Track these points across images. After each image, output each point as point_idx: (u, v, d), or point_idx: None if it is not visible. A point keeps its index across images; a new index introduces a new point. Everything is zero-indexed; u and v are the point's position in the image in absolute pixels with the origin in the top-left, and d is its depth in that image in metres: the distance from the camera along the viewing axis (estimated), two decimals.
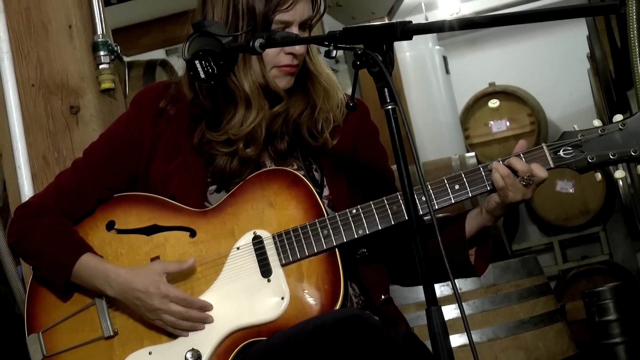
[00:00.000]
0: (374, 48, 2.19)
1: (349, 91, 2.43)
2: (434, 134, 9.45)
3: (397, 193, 2.57)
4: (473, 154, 8.12)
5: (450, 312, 4.81)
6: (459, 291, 2.39)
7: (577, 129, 2.60)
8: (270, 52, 2.60)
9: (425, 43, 9.71)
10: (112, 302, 2.70)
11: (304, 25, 2.66)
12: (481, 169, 2.57)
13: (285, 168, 2.67)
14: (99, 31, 3.79)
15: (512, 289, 5.09)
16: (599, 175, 2.63)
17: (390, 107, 2.17)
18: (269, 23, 2.60)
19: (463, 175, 2.57)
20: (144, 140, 2.74)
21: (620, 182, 9.07)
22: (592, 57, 8.30)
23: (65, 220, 2.76)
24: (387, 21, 8.62)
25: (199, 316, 2.60)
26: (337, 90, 2.75)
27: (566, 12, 2.02)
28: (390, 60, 2.19)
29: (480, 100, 10.72)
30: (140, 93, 2.82)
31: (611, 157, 2.55)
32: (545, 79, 10.65)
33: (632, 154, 2.53)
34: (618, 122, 2.56)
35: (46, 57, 3.76)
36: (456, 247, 2.65)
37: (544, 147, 2.57)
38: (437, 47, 9.92)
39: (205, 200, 2.70)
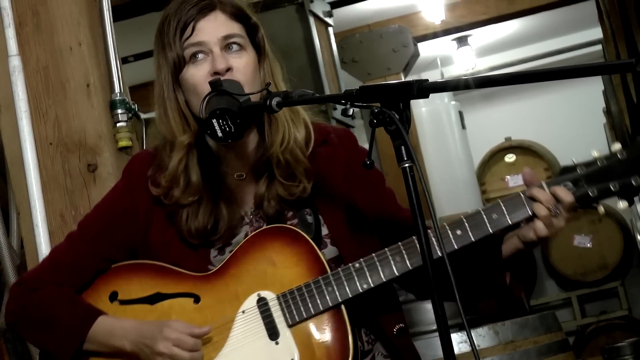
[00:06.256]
0: (390, 106, 2.18)
1: (366, 146, 2.40)
2: (451, 188, 9.44)
3: (399, 243, 2.53)
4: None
5: None
6: (477, 348, 2.36)
7: (575, 162, 2.52)
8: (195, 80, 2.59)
9: (441, 98, 9.74)
10: None
11: (231, 44, 2.60)
12: (501, 203, 2.51)
13: (284, 225, 2.62)
14: (117, 89, 3.82)
15: (531, 346, 5.05)
16: (601, 209, 2.51)
17: (407, 165, 2.17)
18: (183, 57, 2.58)
19: (483, 214, 2.51)
20: (138, 210, 2.70)
21: (639, 237, 9.03)
22: (608, 112, 8.33)
23: (65, 289, 2.71)
24: (402, 77, 8.65)
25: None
26: (288, 121, 2.65)
27: (583, 70, 2.02)
28: (407, 118, 2.19)
29: (496, 155, 10.73)
30: (130, 163, 2.80)
31: (612, 188, 2.46)
32: (561, 133, 10.66)
33: (634, 183, 2.44)
34: (617, 151, 2.47)
35: (64, 115, 3.78)
36: (492, 270, 2.59)
37: (544, 185, 2.50)
38: (453, 102, 9.94)
39: (208, 263, 2.66)
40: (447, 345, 2.13)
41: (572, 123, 10.63)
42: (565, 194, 2.46)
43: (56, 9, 3.83)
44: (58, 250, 2.82)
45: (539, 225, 2.47)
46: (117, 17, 4.02)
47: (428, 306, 5.29)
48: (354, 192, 2.70)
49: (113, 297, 2.71)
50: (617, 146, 2.49)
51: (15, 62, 3.80)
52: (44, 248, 3.68)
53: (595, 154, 2.50)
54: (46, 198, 3.76)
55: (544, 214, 2.46)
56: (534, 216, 2.48)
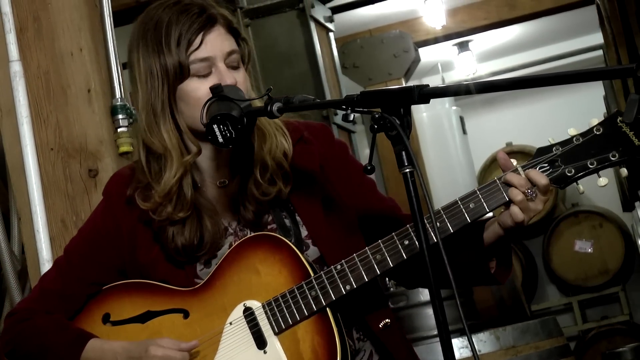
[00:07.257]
0: (391, 112, 2.17)
1: (366, 152, 2.39)
2: (451, 194, 9.36)
3: (379, 241, 2.51)
4: (491, 213, 8.10)
5: None
6: (478, 353, 2.35)
7: (552, 141, 2.49)
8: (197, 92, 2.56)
9: (442, 103, 9.75)
10: None
11: (232, 60, 2.59)
12: (477, 191, 2.48)
13: (266, 232, 2.61)
14: (118, 95, 3.81)
15: (532, 351, 5.05)
16: (580, 187, 2.47)
17: (408, 170, 2.16)
18: (187, 69, 2.54)
19: (460, 204, 2.48)
20: (121, 230, 2.69)
21: None
22: None
23: (56, 316, 2.70)
24: (403, 82, 8.66)
25: None
26: (274, 131, 2.65)
27: (584, 75, 2.02)
28: (407, 123, 2.18)
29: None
30: (108, 183, 2.78)
31: (590, 166, 2.42)
32: (562, 138, 10.64)
33: (612, 158, 2.41)
34: (593, 127, 2.44)
35: (65, 121, 3.78)
36: (474, 258, 2.57)
37: (519, 169, 2.46)
38: (454, 108, 9.95)
39: (195, 277, 2.65)
40: (448, 350, 2.13)
41: (572, 128, 10.62)
42: (540, 177, 2.43)
43: (57, 14, 3.83)
44: (46, 278, 2.82)
45: (515, 210, 2.44)
46: (118, 22, 4.02)
47: (429, 311, 5.29)
48: (330, 186, 2.68)
49: (105, 319, 2.70)
50: (594, 121, 2.46)
51: (16, 68, 3.80)
52: (45, 253, 3.69)
53: (572, 131, 2.48)
54: (47, 203, 3.76)
55: (519, 199, 2.42)
56: (510, 201, 2.45)
